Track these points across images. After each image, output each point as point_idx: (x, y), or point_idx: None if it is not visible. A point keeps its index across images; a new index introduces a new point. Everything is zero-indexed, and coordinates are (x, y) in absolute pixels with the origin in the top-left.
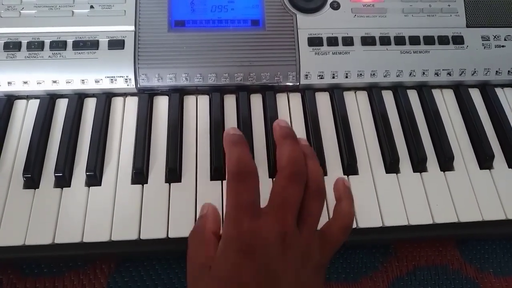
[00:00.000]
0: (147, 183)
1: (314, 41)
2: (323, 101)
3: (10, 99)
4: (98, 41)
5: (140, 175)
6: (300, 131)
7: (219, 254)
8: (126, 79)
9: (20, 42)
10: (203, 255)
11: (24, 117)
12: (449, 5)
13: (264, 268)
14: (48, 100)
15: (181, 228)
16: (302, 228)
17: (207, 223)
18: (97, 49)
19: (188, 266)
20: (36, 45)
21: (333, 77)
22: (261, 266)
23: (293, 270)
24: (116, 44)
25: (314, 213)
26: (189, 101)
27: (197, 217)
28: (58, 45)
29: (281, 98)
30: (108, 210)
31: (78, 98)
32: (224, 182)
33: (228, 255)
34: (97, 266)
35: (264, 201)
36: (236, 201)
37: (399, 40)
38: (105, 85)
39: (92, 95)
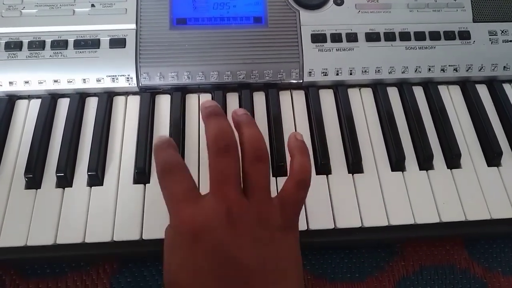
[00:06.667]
0: (149, 182)
1: (318, 38)
2: (327, 99)
3: (12, 99)
4: (99, 40)
5: (142, 175)
6: (304, 129)
7: (169, 246)
8: (127, 78)
9: (21, 42)
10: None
11: (25, 117)
12: (455, 0)
13: (216, 249)
14: (50, 100)
15: None
16: (251, 197)
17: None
18: (98, 48)
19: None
20: (37, 45)
21: (337, 74)
22: (212, 250)
23: (251, 242)
24: (118, 42)
25: (259, 178)
26: (191, 99)
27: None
28: (59, 44)
29: (284, 96)
30: (110, 210)
31: (79, 98)
32: None
33: (177, 245)
34: (99, 266)
35: None
36: (169, 193)
37: (404, 36)
38: (107, 84)
39: (94, 94)
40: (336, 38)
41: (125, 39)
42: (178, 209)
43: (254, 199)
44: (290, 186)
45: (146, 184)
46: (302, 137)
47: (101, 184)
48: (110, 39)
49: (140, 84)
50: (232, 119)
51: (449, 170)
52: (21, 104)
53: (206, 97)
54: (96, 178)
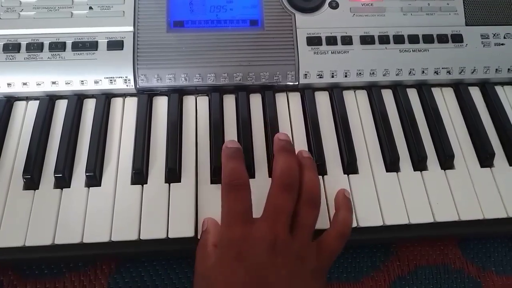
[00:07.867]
0: (146, 183)
1: (313, 41)
2: (322, 101)
3: (10, 101)
4: (97, 42)
5: (139, 175)
6: (299, 131)
7: (216, 257)
8: (125, 80)
9: (20, 44)
10: (205, 266)
11: (23, 119)
12: (448, 4)
13: (255, 272)
14: (48, 101)
15: (181, 228)
16: (296, 235)
17: (209, 237)
18: (96, 50)
19: (194, 277)
20: (35, 47)
21: (332, 76)
22: (252, 270)
23: (286, 275)
24: (115, 45)
25: (307, 220)
26: (188, 101)
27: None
28: (57, 46)
29: (281, 98)
30: (108, 210)
31: (77, 99)
32: None
33: (222, 259)
34: (97, 266)
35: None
36: (229, 208)
37: (398, 39)
38: (105, 85)
39: (92, 96)
40: (331, 41)
41: (122, 41)
42: (232, 225)
43: (297, 237)
44: (331, 236)
45: (144, 185)
46: (350, 195)
47: (99, 185)
48: (108, 41)
49: (137, 86)
50: (298, 156)
51: (442, 171)
52: (19, 106)
53: (203, 99)
54: (94, 178)
